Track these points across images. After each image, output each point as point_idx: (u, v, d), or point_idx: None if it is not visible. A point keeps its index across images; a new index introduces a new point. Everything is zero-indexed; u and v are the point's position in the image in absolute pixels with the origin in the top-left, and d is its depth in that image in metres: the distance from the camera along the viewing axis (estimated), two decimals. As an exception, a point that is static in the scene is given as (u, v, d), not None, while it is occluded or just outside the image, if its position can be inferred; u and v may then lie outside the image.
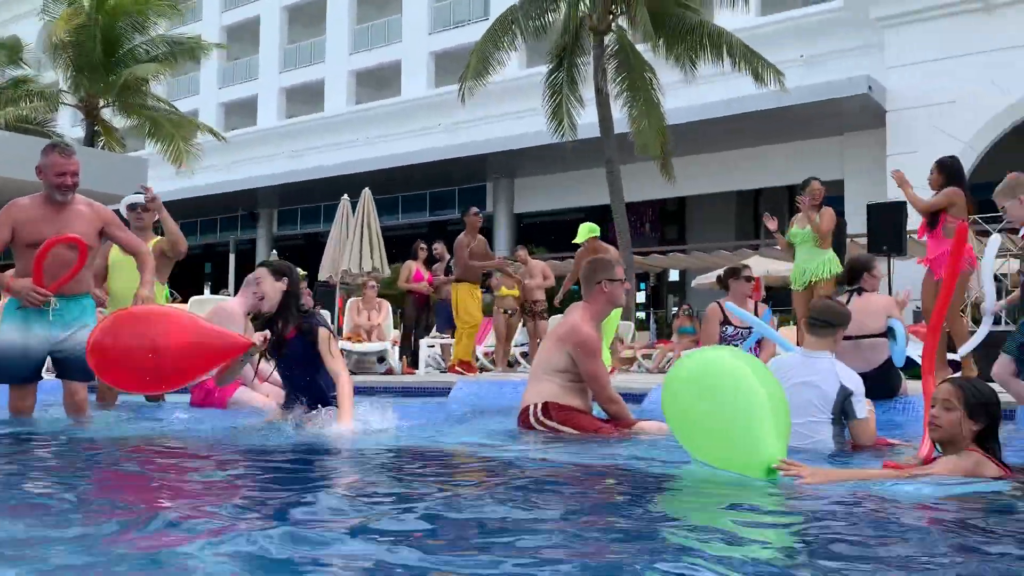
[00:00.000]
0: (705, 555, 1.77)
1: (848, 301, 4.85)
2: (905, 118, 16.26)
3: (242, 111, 32.56)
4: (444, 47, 27.50)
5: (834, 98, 16.52)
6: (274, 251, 14.91)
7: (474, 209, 8.90)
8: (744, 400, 2.85)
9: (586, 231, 8.27)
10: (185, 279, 18.74)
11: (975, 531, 2.17)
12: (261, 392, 5.33)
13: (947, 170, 6.15)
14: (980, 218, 11.33)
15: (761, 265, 15.96)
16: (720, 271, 6.62)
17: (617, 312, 6.35)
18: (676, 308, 15.99)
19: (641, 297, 25.21)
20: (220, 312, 5.29)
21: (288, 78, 31.68)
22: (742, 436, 2.82)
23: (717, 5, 15.27)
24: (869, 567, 1.76)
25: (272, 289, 4.04)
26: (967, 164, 15.43)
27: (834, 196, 14.85)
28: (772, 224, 7.35)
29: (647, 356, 13.15)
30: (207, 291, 22.99)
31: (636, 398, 5.78)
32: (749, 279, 5.96)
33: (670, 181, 15.24)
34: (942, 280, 5.75)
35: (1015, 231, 6.08)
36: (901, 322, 4.96)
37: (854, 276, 5.12)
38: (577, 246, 8.49)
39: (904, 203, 9.80)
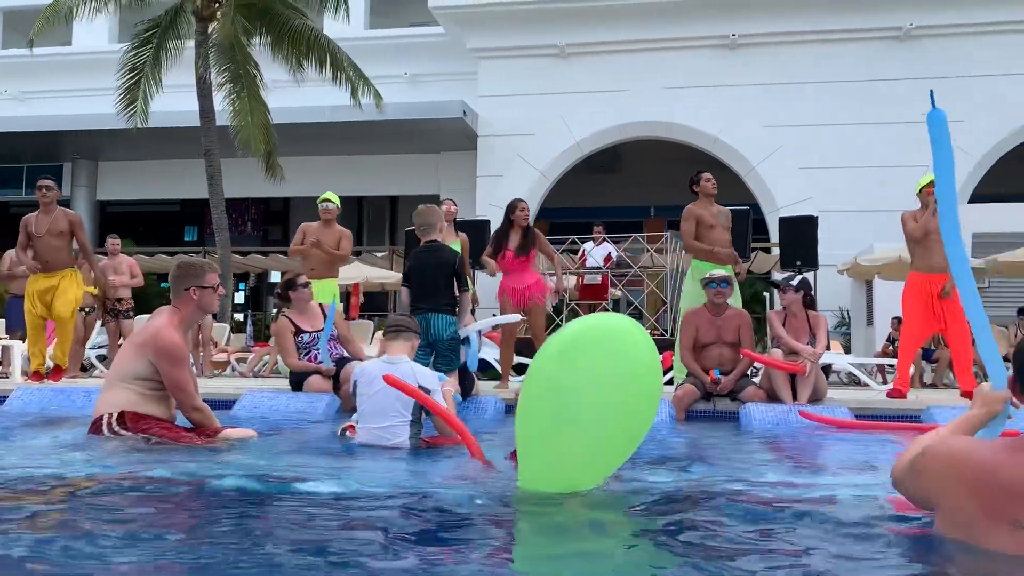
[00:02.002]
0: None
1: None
2: (493, 144, 17.90)
3: None
4: (15, 4, 23.90)
5: (433, 118, 17.60)
6: None
7: (46, 183, 7.48)
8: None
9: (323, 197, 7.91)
10: None
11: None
12: None
13: None
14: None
15: (361, 271, 16.44)
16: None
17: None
18: (276, 311, 15.75)
19: (240, 298, 24.36)
20: None
21: None
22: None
23: (325, 14, 15.45)
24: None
25: None
26: (541, 191, 17.54)
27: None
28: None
29: (241, 360, 12.77)
30: None
31: (226, 404, 5.63)
32: (306, 285, 6.23)
33: (277, 181, 15.03)
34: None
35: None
36: (476, 332, 5.51)
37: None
38: None
39: (487, 222, 10.84)
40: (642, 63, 17.36)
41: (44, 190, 7.36)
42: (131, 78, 14.33)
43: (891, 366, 12.24)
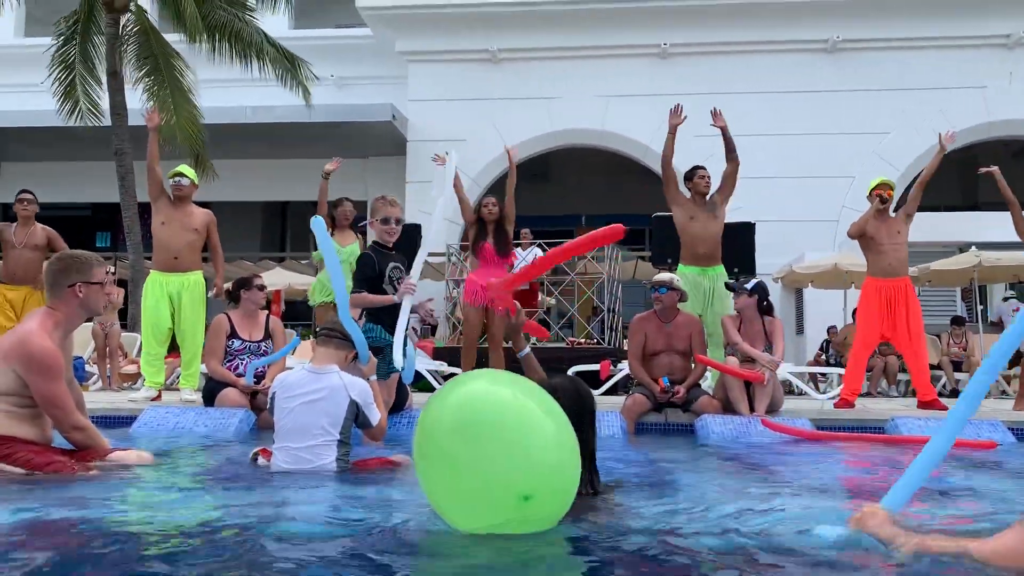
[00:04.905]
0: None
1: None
2: (423, 149, 17.38)
3: None
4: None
5: (360, 121, 17.03)
6: None
7: (26, 195, 7.49)
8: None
9: None
10: None
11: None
12: None
13: None
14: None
15: (283, 278, 15.77)
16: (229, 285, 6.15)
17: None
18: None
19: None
20: None
21: None
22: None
23: (257, 10, 14.84)
24: None
25: None
26: (473, 197, 17.12)
27: (359, 216, 15.24)
28: None
29: (154, 372, 11.93)
30: None
31: (126, 421, 5.02)
32: (262, 288, 5.64)
33: (211, 180, 14.36)
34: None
35: None
36: (413, 338, 5.05)
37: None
38: None
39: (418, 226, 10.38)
40: (574, 70, 17.16)
41: (24, 203, 7.36)
42: (65, 78, 13.59)
43: (824, 375, 12.21)
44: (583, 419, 2.44)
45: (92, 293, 3.25)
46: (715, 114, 6.56)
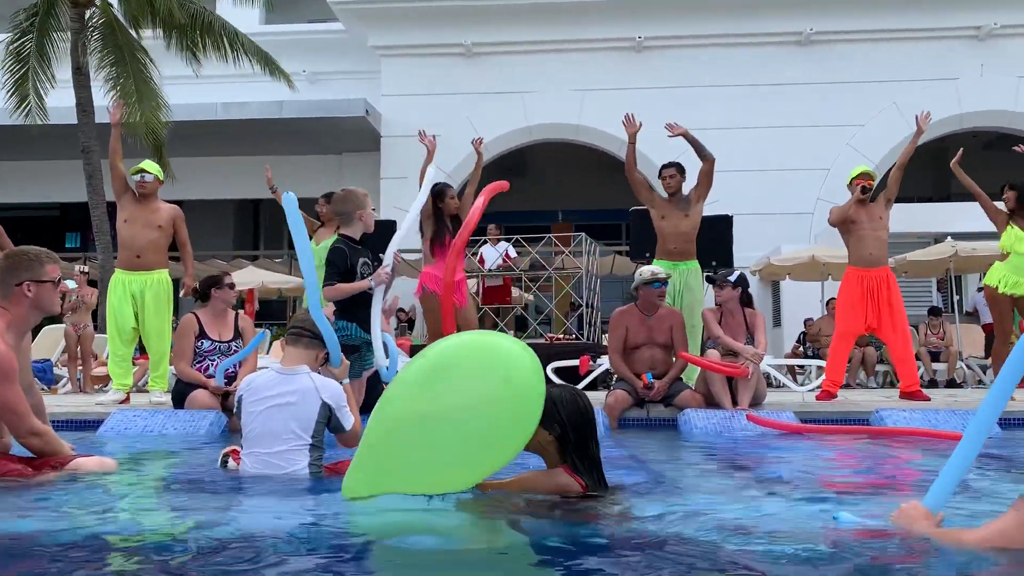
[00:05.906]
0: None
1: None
2: (397, 145, 17.25)
3: None
4: None
5: (333, 117, 16.85)
6: None
7: None
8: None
9: None
10: None
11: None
12: None
13: None
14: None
15: (257, 276, 15.56)
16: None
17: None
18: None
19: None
20: None
21: None
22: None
23: (224, 4, 14.62)
24: None
25: None
26: (448, 192, 16.97)
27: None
28: None
29: (125, 373, 11.69)
30: None
31: (93, 424, 4.86)
32: (232, 286, 5.47)
33: (171, 181, 14.05)
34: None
35: None
36: (392, 336, 4.93)
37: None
38: None
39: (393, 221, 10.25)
40: (549, 64, 17.08)
41: None
42: (18, 71, 13.22)
43: (802, 367, 12.22)
44: (584, 429, 2.51)
45: (43, 292, 3.08)
46: (670, 127, 6.54)
